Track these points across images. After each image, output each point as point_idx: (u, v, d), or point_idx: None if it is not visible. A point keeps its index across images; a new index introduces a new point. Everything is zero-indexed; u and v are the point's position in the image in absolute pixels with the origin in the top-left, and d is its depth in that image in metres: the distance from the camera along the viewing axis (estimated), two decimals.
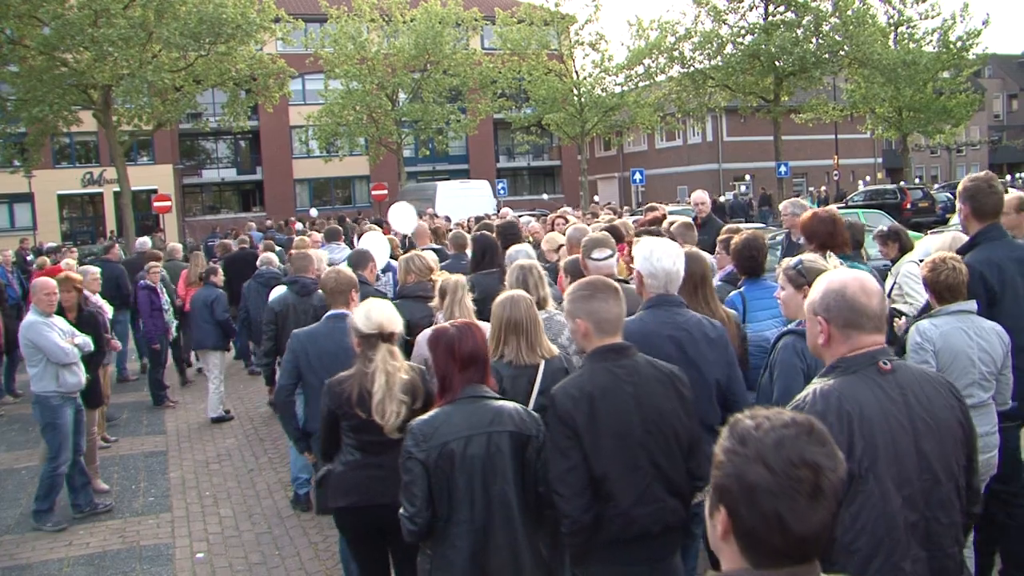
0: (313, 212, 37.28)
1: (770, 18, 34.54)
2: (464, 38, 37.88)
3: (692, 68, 35.77)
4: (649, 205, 11.80)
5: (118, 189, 29.20)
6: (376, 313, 4.16)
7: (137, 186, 31.86)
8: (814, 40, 34.48)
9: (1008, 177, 43.94)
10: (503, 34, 36.64)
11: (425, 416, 3.54)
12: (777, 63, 33.94)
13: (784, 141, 36.14)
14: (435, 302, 5.15)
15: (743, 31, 35.07)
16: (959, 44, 35.36)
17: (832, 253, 4.81)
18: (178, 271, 13.15)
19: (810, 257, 4.07)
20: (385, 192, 34.93)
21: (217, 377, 10.56)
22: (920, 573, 2.48)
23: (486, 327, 4.05)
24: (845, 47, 34.38)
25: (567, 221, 9.79)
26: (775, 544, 1.56)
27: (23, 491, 8.26)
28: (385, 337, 4.12)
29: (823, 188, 42.96)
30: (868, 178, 46.70)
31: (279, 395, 5.43)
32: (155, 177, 41.16)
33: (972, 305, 4.30)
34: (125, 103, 27.00)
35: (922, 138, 45.69)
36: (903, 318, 5.11)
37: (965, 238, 5.00)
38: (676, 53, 35.51)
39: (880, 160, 56.31)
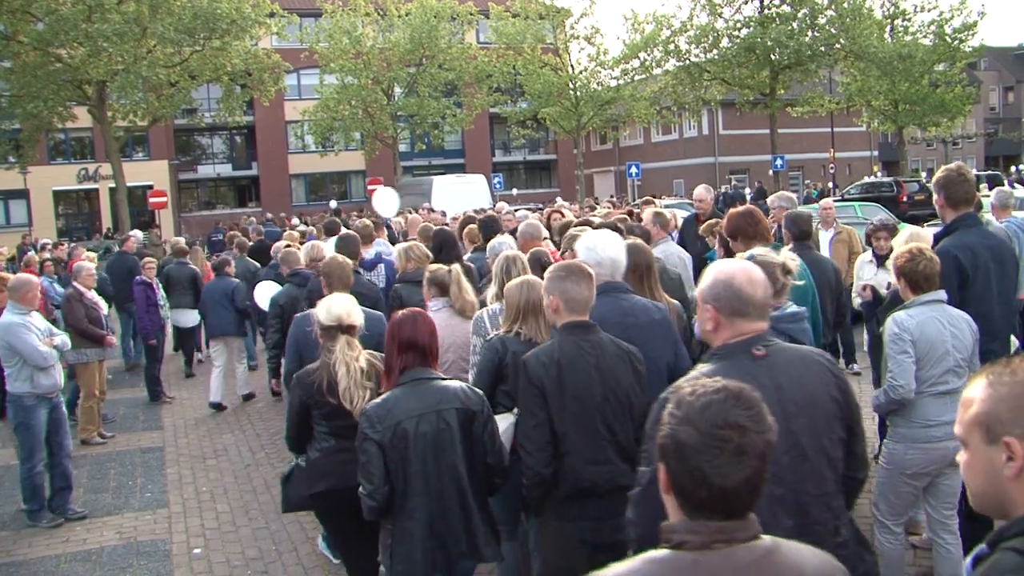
0: (333, 203, 37.62)
1: (766, 11, 34.51)
2: (459, 32, 37.82)
3: (688, 62, 35.74)
4: (645, 199, 11.87)
5: (114, 185, 29.17)
6: (336, 307, 4.47)
7: (133, 182, 31.81)
8: (810, 33, 34.45)
9: (1014, 169, 43.92)
10: (498, 28, 36.59)
11: (377, 400, 3.83)
12: (773, 56, 33.92)
13: (780, 134, 36.14)
14: (425, 290, 5.60)
15: (739, 24, 35.04)
16: (955, 37, 35.36)
17: (786, 246, 5.07)
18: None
19: (762, 250, 4.19)
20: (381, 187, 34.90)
21: (233, 360, 11.07)
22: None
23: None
24: (841, 40, 34.36)
25: (563, 215, 9.83)
26: (701, 497, 1.71)
27: (19, 488, 8.24)
28: (344, 329, 4.41)
29: (817, 183, 42.98)
30: (877, 173, 46.67)
31: (287, 379, 5.48)
32: (151, 173, 41.10)
33: (943, 295, 4.47)
34: (120, 99, 26.94)
35: (918, 131, 45.74)
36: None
37: (922, 232, 5.35)
38: (672, 47, 35.47)
39: (876, 153, 56.34)
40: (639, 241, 5.07)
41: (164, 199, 31.48)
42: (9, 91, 25.63)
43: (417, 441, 3.67)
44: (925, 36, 36.15)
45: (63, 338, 7.41)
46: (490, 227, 8.42)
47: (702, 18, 35.36)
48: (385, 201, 11.64)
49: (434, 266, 5.93)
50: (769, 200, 8.75)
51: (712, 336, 2.85)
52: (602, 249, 4.24)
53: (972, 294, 4.67)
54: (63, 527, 7.14)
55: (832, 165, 42.18)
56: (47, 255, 16.02)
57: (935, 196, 5.05)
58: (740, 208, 5.55)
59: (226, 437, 9.57)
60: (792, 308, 4.04)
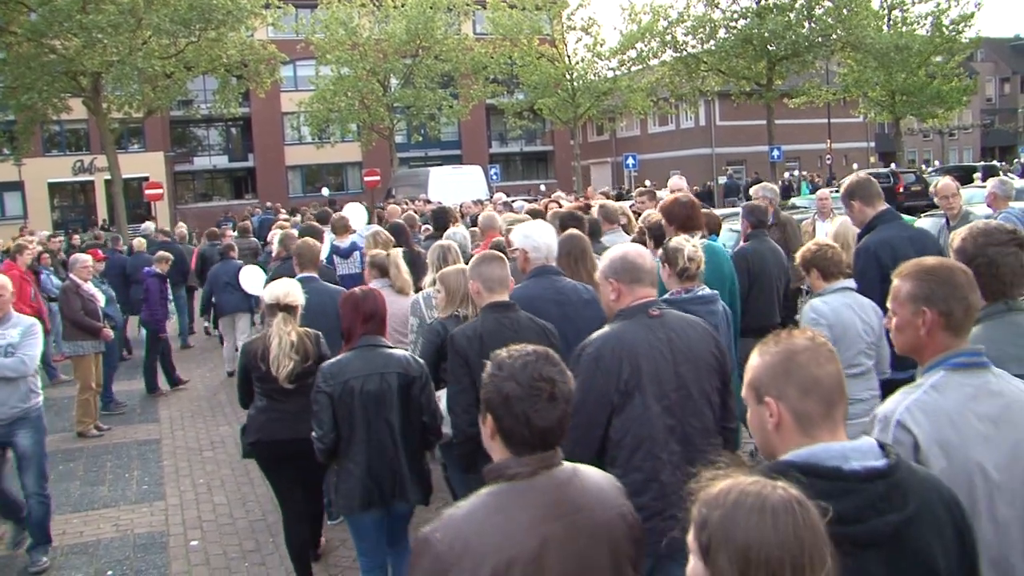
0: (325, 191, 37.72)
1: (763, 2, 34.41)
2: (455, 23, 37.68)
3: (685, 52, 35.66)
4: (639, 189, 11.93)
5: (109, 177, 29.07)
6: (277, 289, 5.22)
7: (128, 174, 31.68)
8: (807, 24, 34.38)
9: (1017, 161, 43.90)
10: (495, 19, 36.45)
11: (332, 360, 4.56)
12: (770, 47, 33.86)
13: (777, 125, 36.10)
14: (366, 272, 6.57)
15: (735, 15, 34.95)
16: (952, 28, 35.33)
17: (697, 233, 5.51)
18: (189, 253, 15.42)
19: (676, 240, 4.66)
20: (378, 178, 34.82)
21: (243, 334, 11.70)
22: (676, 462, 3.27)
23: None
24: (838, 31, 34.29)
25: (560, 206, 9.83)
26: (525, 436, 2.18)
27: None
28: (282, 307, 5.12)
29: (815, 176, 42.98)
30: (856, 165, 46.64)
31: None
32: (146, 165, 40.93)
33: (852, 283, 4.84)
34: (115, 90, 26.81)
35: (915, 122, 45.70)
36: None
37: (847, 222, 5.77)
38: (668, 37, 35.40)
39: (873, 144, 56.32)
40: (575, 231, 5.65)
41: (160, 191, 31.34)
42: (3, 82, 25.45)
43: (362, 397, 4.35)
44: (922, 27, 36.12)
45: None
46: (440, 218, 9.36)
47: (699, 9, 35.30)
48: (356, 215, 12.31)
49: (374, 251, 6.86)
50: (752, 190, 8.79)
51: (616, 304, 3.53)
52: (537, 236, 4.82)
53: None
54: (60, 520, 7.12)
55: (829, 156, 42.16)
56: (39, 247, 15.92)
57: (851, 204, 5.30)
58: (681, 195, 5.89)
59: (223, 429, 9.56)
60: (703, 291, 4.45)
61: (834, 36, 34.55)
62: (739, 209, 9.29)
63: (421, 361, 4.63)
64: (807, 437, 1.94)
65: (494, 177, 35.32)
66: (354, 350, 4.49)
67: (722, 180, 37.06)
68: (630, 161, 34.23)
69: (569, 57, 37.40)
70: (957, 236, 3.30)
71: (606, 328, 3.48)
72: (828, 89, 37.54)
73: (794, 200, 25.27)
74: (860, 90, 36.27)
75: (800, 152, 49.06)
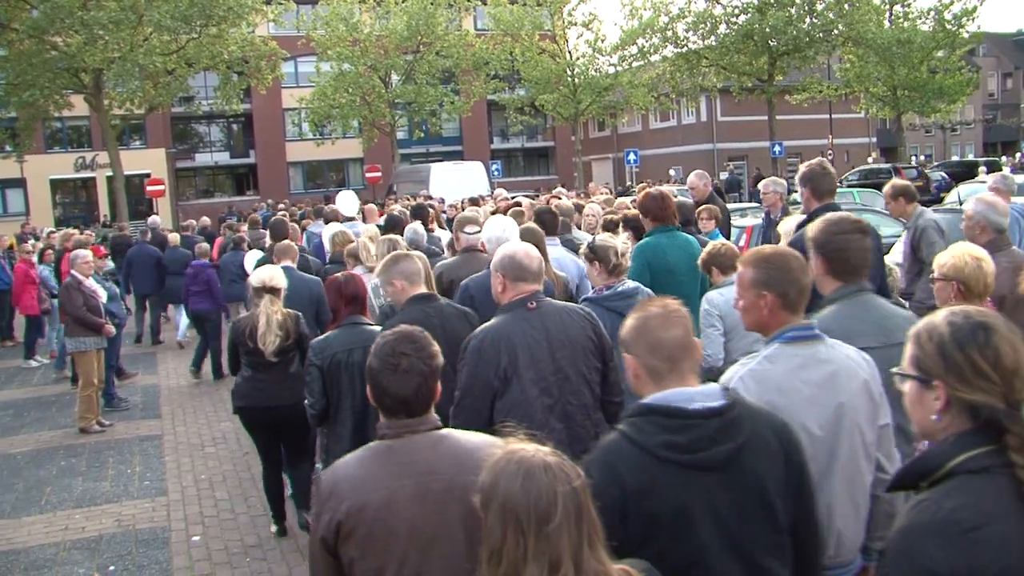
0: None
1: None
2: (456, 19, 37.66)
3: (686, 48, 35.64)
4: (641, 185, 12.00)
5: (111, 174, 29.10)
6: (263, 273, 6.03)
7: (130, 170, 31.71)
8: (808, 19, 34.35)
9: (1019, 155, 43.84)
10: (496, 15, 36.44)
11: (321, 336, 5.17)
12: (771, 43, 33.84)
13: (778, 121, 36.07)
14: (348, 263, 7.42)
15: (737, 11, 34.94)
16: (954, 23, 35.26)
17: (624, 231, 6.03)
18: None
19: (602, 236, 5.01)
20: (379, 174, 34.84)
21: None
22: (558, 439, 3.48)
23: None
24: (839, 26, 34.26)
25: (560, 200, 9.84)
26: (387, 403, 2.59)
27: (18, 476, 8.27)
28: (268, 290, 5.86)
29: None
30: (873, 156, 46.61)
31: None
32: (148, 161, 40.94)
33: None
34: (116, 87, 26.85)
35: (916, 117, 45.62)
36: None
37: (787, 219, 5.93)
38: (670, 33, 35.38)
39: (874, 140, 56.23)
40: (531, 224, 6.07)
41: (162, 187, 31.41)
42: (5, 79, 25.51)
43: (347, 368, 4.80)
44: (924, 22, 36.05)
45: None
46: (418, 214, 10.17)
47: (700, 4, 35.34)
48: (346, 202, 12.87)
49: (350, 244, 7.83)
50: (761, 184, 8.77)
51: (501, 296, 3.96)
52: (495, 230, 5.37)
53: None
54: (62, 515, 7.16)
55: (830, 152, 42.11)
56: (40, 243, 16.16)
57: (800, 189, 5.28)
58: (653, 191, 6.29)
59: (224, 425, 9.57)
60: (626, 286, 4.69)
61: (835, 31, 34.52)
62: (740, 205, 9.34)
63: None
64: (658, 386, 2.38)
65: (495, 173, 35.31)
66: (340, 327, 5.03)
67: (723, 176, 37.03)
68: (631, 157, 34.22)
69: (570, 53, 37.40)
70: (811, 228, 3.65)
71: (490, 321, 3.91)
72: (829, 85, 37.48)
73: (795, 196, 25.22)
74: (861, 85, 36.21)
75: (801, 148, 48.88)
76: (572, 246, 6.78)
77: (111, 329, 9.84)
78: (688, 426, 2.28)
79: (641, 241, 5.93)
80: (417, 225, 8.58)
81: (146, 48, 25.10)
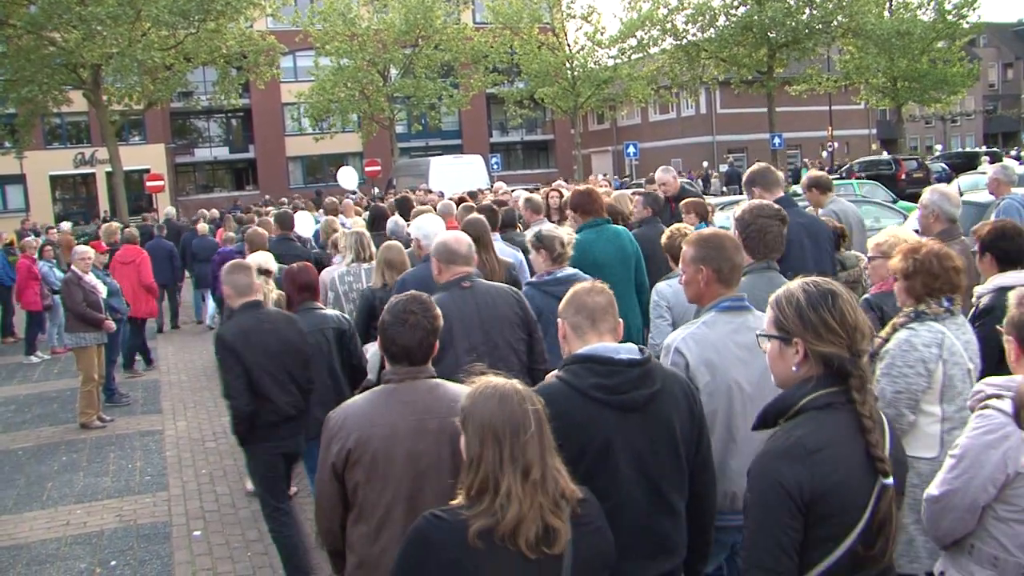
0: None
1: None
2: (455, 12, 37.60)
3: (685, 40, 35.56)
4: (648, 177, 12.08)
5: (110, 169, 29.06)
6: (259, 258, 6.57)
7: (129, 166, 31.68)
8: (807, 10, 34.26)
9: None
10: (494, 8, 36.36)
11: None
12: (770, 34, 33.75)
13: (778, 113, 36.00)
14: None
15: (736, 2, 34.83)
16: (955, 13, 35.16)
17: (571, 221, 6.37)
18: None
19: (548, 226, 5.48)
20: (378, 168, 34.80)
21: None
22: None
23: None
24: (839, 17, 34.18)
25: (562, 195, 9.84)
26: (394, 352, 3.07)
27: (20, 472, 8.28)
28: (262, 272, 6.10)
29: (816, 162, 42.88)
30: (874, 147, 46.54)
31: None
32: (147, 157, 40.93)
33: None
34: (115, 82, 26.81)
35: (916, 109, 45.52)
36: None
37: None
38: (669, 25, 35.31)
39: (874, 131, 56.16)
40: (477, 215, 6.47)
41: (161, 183, 31.39)
42: (3, 76, 25.45)
43: (308, 348, 5.29)
44: (924, 13, 35.94)
45: None
46: (402, 206, 10.58)
47: None
48: (347, 177, 13.28)
49: (334, 234, 8.28)
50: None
51: (439, 278, 4.56)
52: (427, 227, 5.93)
53: (787, 267, 5.02)
54: (63, 511, 7.17)
55: (830, 144, 42.06)
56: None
57: (752, 190, 5.56)
58: (581, 187, 6.83)
59: (225, 419, 9.51)
60: (565, 273, 5.04)
61: (835, 22, 34.43)
62: (739, 198, 9.37)
63: (349, 318, 5.80)
64: (581, 341, 2.86)
65: (495, 166, 35.25)
66: (297, 313, 5.53)
67: (723, 168, 37.00)
68: (631, 150, 34.18)
69: (569, 46, 37.31)
70: (737, 208, 4.31)
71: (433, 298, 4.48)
72: (829, 76, 37.40)
73: (795, 187, 25.22)
74: (861, 77, 36.13)
75: (801, 140, 48.95)
76: (515, 241, 7.37)
77: (111, 324, 9.83)
78: (615, 372, 2.73)
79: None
80: (398, 217, 9.02)
81: (144, 43, 25.04)
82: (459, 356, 4.18)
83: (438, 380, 3.10)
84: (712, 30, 34.97)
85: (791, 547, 2.24)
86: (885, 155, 36.47)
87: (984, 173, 14.36)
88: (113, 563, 6.13)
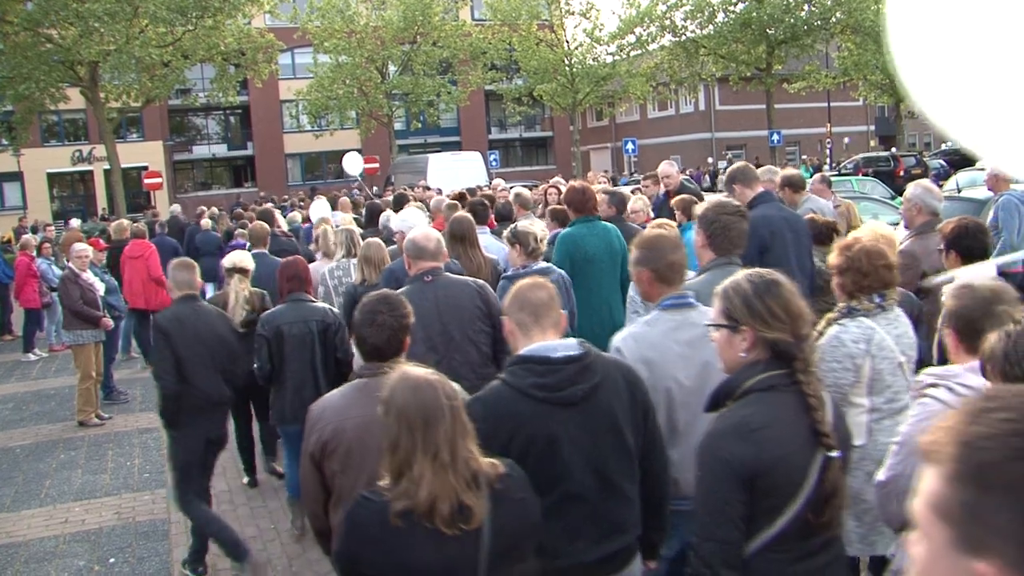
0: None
1: None
2: (453, 9, 37.56)
3: (683, 37, 35.53)
4: (650, 174, 12.04)
5: (108, 167, 29.00)
6: (234, 256, 6.99)
7: (127, 163, 31.63)
8: (806, 7, 34.24)
9: None
10: (493, 4, 36.32)
11: (269, 311, 6.03)
12: (769, 31, 33.73)
13: (777, 110, 36.00)
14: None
15: None
16: None
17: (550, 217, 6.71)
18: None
19: (524, 223, 5.66)
20: (377, 165, 34.75)
21: None
22: None
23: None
24: (837, 13, 34.14)
25: (560, 191, 9.82)
26: (365, 349, 3.33)
27: (17, 469, 8.27)
28: (237, 270, 6.67)
29: (814, 159, 42.89)
30: (873, 143, 46.54)
31: None
32: (145, 154, 40.87)
33: None
34: (112, 79, 26.70)
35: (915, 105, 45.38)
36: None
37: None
38: (667, 22, 35.27)
39: (873, 128, 56.12)
40: (462, 213, 6.74)
41: (159, 180, 31.31)
42: (0, 73, 25.37)
43: (290, 338, 5.66)
44: None
45: None
46: (399, 202, 10.77)
47: None
48: (352, 163, 13.54)
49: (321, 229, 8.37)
50: (758, 172, 8.75)
51: (409, 272, 4.88)
52: (407, 220, 6.34)
53: (772, 258, 5.23)
54: (61, 508, 7.16)
55: (829, 140, 42.04)
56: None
57: (733, 187, 5.86)
58: (577, 183, 6.94)
59: None
60: (539, 266, 5.27)
61: (833, 19, 34.41)
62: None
63: (337, 312, 6.00)
64: (526, 337, 2.94)
65: (493, 163, 35.24)
66: (285, 303, 5.84)
67: (722, 165, 37.00)
68: (629, 146, 34.17)
69: (568, 42, 37.28)
70: (701, 206, 4.58)
71: (397, 291, 4.71)
72: (827, 73, 37.39)
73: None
74: (860, 73, 36.11)
75: (800, 136, 48.92)
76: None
77: (109, 322, 9.82)
78: (552, 370, 2.85)
79: (563, 231, 6.42)
80: (391, 213, 9.32)
81: (142, 40, 24.96)
82: (415, 346, 4.40)
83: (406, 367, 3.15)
84: (711, 26, 34.94)
85: (738, 518, 2.40)
86: (889, 151, 36.49)
87: (982, 169, 14.33)
88: (112, 560, 6.12)
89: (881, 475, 2.96)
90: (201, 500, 5.64)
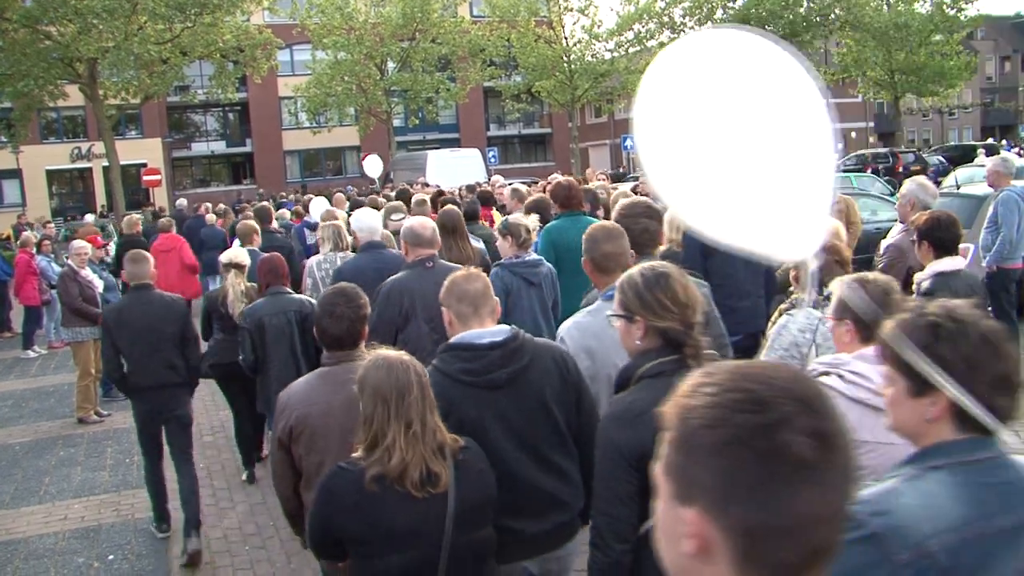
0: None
1: None
2: (452, 6, 37.50)
3: (683, 33, 35.46)
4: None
5: (107, 164, 28.97)
6: (230, 253, 7.33)
7: (126, 160, 31.60)
8: (805, 3, 34.22)
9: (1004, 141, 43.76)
10: (491, 1, 36.26)
11: (250, 304, 6.28)
12: (768, 27, 33.65)
13: None
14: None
15: None
16: (953, 5, 35.11)
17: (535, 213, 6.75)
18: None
19: (515, 216, 5.92)
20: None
21: None
22: None
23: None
24: (836, 10, 34.14)
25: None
26: (326, 340, 3.54)
27: (17, 466, 8.28)
28: (233, 265, 7.03)
29: None
30: (872, 140, 46.49)
31: None
32: (144, 151, 40.84)
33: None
34: (111, 76, 26.65)
35: (914, 102, 45.48)
36: None
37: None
38: (666, 18, 35.24)
39: (872, 124, 56.13)
40: (450, 207, 7.12)
41: (158, 177, 31.33)
42: None
43: (269, 329, 5.91)
44: (922, 5, 35.89)
45: None
46: (401, 198, 10.95)
47: None
48: (372, 165, 13.94)
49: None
50: None
51: (407, 258, 5.25)
52: (363, 219, 6.56)
53: (716, 261, 5.35)
54: (60, 505, 7.16)
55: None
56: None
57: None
58: (563, 179, 7.38)
59: (223, 413, 9.55)
60: (531, 258, 5.56)
61: (833, 15, 34.40)
62: None
63: (313, 302, 6.08)
64: (465, 327, 3.18)
65: (492, 160, 35.21)
66: (265, 297, 6.14)
67: None
68: (628, 143, 34.13)
69: (567, 39, 37.23)
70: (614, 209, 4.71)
71: (397, 275, 5.13)
72: (827, 70, 37.37)
73: None
74: (859, 70, 36.11)
75: None
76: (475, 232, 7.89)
77: None
78: (477, 356, 3.10)
79: (548, 224, 6.72)
80: (370, 211, 9.97)
81: (140, 37, 24.92)
82: (420, 326, 4.90)
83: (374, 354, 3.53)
84: (709, 23, 34.89)
85: (628, 497, 2.54)
86: (881, 148, 36.48)
87: (982, 166, 14.32)
88: (111, 557, 6.13)
89: None
90: (152, 460, 6.31)
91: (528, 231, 5.63)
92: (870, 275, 3.14)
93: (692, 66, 2.20)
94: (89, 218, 23.56)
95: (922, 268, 5.13)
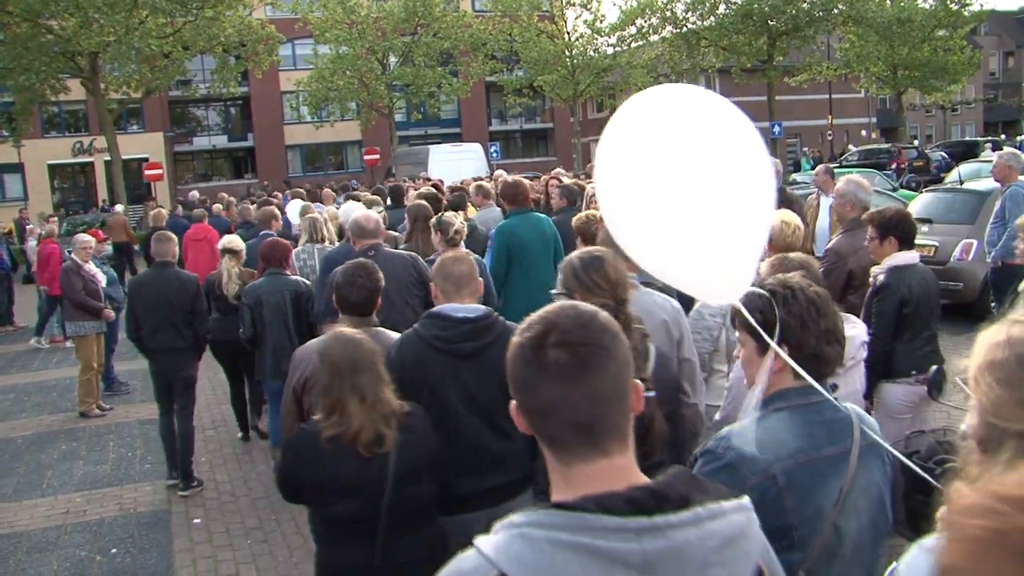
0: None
1: None
2: (454, 0, 37.42)
3: (685, 28, 35.44)
4: None
5: (109, 158, 28.97)
6: (225, 240, 8.11)
7: (128, 155, 31.57)
8: None
9: (1003, 136, 43.67)
10: None
11: (250, 284, 6.98)
12: (770, 22, 33.66)
13: (778, 101, 35.91)
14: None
15: None
16: (956, 1, 35.01)
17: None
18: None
19: (449, 215, 6.50)
20: (377, 157, 34.71)
21: None
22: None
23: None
24: (839, 5, 34.05)
25: (560, 182, 9.84)
26: (344, 306, 4.01)
27: (19, 460, 8.28)
28: (228, 251, 7.82)
29: (816, 150, 42.79)
30: (874, 135, 46.40)
31: None
32: (146, 145, 40.80)
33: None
34: (113, 70, 26.67)
35: (917, 97, 45.40)
36: None
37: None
38: (668, 13, 35.19)
39: (874, 120, 56.04)
40: (421, 202, 7.60)
41: (160, 171, 31.28)
42: (0, 64, 25.31)
43: (268, 306, 6.59)
44: (925, 0, 35.80)
45: None
46: (395, 192, 11.37)
47: None
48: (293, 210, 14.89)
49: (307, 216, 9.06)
50: None
51: (355, 248, 5.80)
52: (346, 212, 7.15)
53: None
54: (63, 499, 7.17)
55: (830, 132, 41.97)
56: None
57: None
58: (509, 178, 7.79)
59: (224, 408, 9.55)
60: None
61: (835, 10, 34.31)
62: None
63: (309, 283, 6.93)
64: (447, 302, 3.58)
65: (494, 155, 35.17)
66: (264, 277, 6.78)
67: None
68: None
69: (569, 34, 37.18)
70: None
71: (346, 263, 5.57)
72: (829, 65, 37.29)
73: (794, 176, 25.21)
74: (862, 65, 36.03)
75: (801, 128, 48.85)
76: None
77: (110, 313, 9.82)
78: (450, 326, 3.50)
79: (500, 224, 7.13)
80: (358, 204, 9.99)
81: (142, 31, 24.91)
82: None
83: (379, 328, 4.07)
84: (712, 18, 34.88)
85: None
86: (884, 143, 36.41)
87: (987, 161, 14.27)
88: (113, 551, 6.13)
89: (718, 415, 3.62)
90: (165, 414, 7.21)
91: (456, 231, 6.25)
92: (791, 254, 3.67)
93: (645, 118, 2.28)
94: (119, 208, 24.17)
95: (864, 270, 5.20)
